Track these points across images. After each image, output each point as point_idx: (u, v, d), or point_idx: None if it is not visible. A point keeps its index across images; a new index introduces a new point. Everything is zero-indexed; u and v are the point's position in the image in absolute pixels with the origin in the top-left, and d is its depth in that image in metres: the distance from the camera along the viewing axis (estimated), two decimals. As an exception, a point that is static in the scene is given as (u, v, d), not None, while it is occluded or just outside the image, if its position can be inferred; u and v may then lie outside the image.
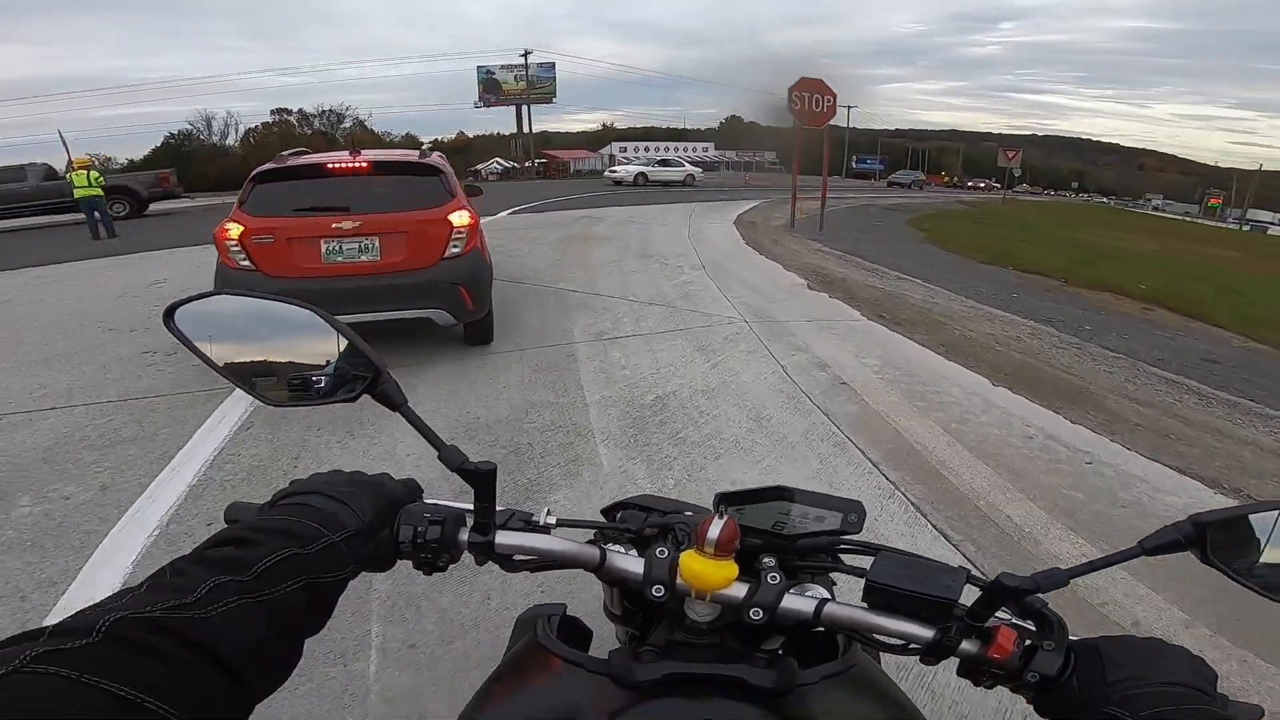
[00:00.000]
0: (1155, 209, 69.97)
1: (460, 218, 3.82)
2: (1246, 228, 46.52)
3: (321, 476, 0.53)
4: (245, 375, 0.56)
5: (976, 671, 0.51)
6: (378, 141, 58.21)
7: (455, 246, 3.78)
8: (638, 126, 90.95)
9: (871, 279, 7.24)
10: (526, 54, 48.47)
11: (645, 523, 0.58)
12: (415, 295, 3.70)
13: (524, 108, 48.96)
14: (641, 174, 26.39)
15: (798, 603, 0.52)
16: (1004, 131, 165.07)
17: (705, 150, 64.01)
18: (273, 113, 65.15)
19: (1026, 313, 6.19)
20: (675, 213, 14.20)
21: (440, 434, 0.54)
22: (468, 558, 0.55)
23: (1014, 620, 0.51)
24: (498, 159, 56.97)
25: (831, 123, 11.57)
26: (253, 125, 64.78)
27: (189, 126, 61.13)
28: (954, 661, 0.51)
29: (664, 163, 28.68)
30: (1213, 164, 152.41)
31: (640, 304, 5.53)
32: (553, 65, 49.85)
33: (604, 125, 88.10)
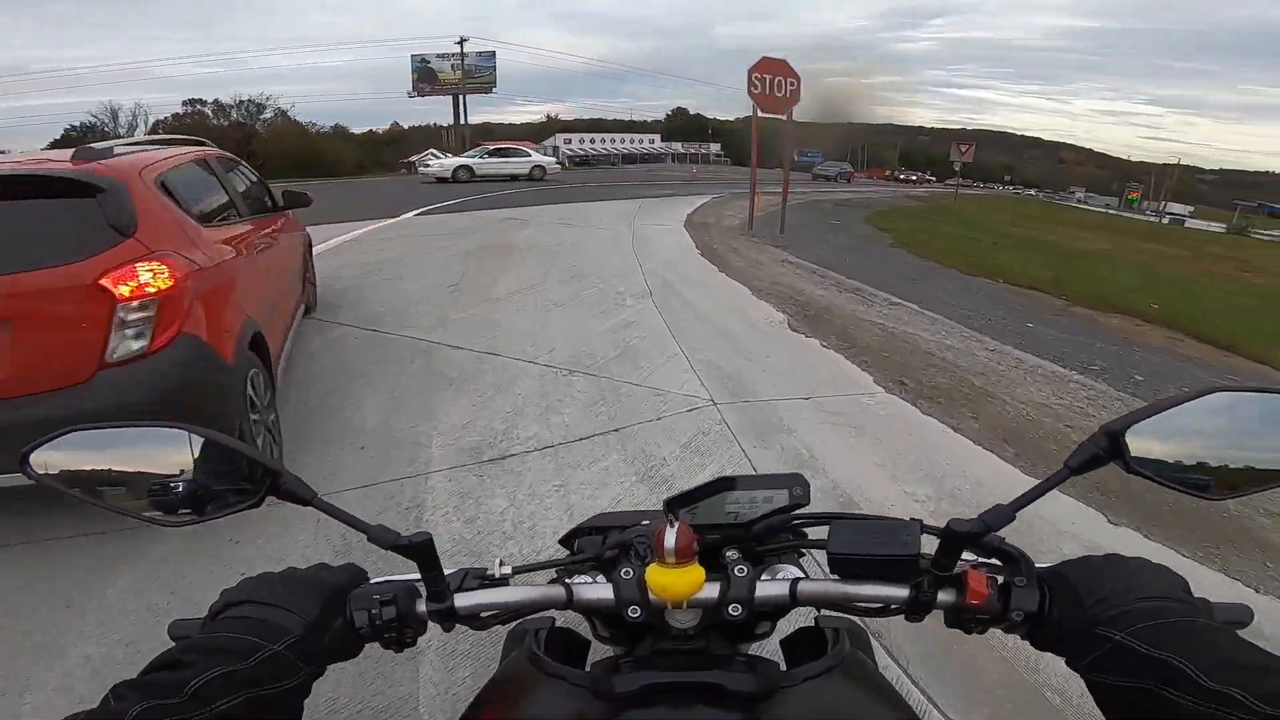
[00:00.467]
0: (1079, 201, 72.80)
1: (142, 275, 1.88)
2: (1166, 221, 48.56)
3: (250, 582, 0.50)
4: (123, 504, 0.52)
5: (964, 620, 0.51)
6: (302, 133, 53.02)
7: (133, 339, 1.85)
8: (585, 118, 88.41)
9: (861, 307, 5.76)
10: (462, 42, 45.51)
11: (604, 546, 0.58)
12: None
13: (461, 98, 45.88)
14: (464, 168, 21.19)
15: (771, 588, 0.53)
16: (936, 126, 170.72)
17: (652, 141, 62.89)
18: (185, 103, 58.93)
19: (1059, 357, 4.86)
20: (617, 212, 12.50)
21: None
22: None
23: (980, 561, 0.51)
24: (433, 151, 53.45)
25: (775, 115, 9.93)
26: (163, 117, 58.40)
27: (91, 118, 54.22)
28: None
29: (499, 153, 23.18)
30: (1125, 158, 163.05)
31: (556, 371, 3.78)
32: (493, 54, 47.25)
33: (549, 117, 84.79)
